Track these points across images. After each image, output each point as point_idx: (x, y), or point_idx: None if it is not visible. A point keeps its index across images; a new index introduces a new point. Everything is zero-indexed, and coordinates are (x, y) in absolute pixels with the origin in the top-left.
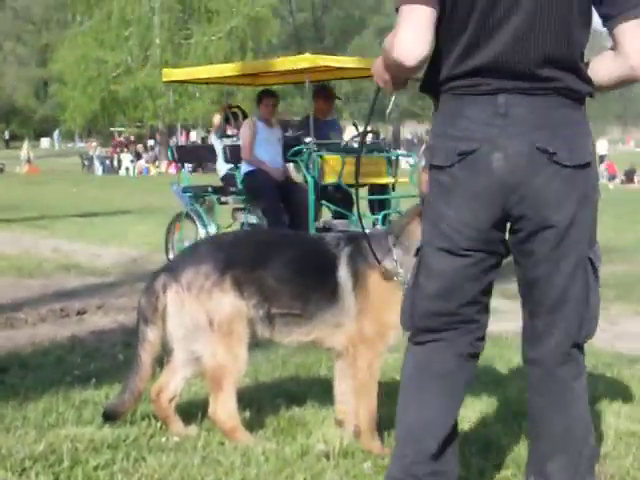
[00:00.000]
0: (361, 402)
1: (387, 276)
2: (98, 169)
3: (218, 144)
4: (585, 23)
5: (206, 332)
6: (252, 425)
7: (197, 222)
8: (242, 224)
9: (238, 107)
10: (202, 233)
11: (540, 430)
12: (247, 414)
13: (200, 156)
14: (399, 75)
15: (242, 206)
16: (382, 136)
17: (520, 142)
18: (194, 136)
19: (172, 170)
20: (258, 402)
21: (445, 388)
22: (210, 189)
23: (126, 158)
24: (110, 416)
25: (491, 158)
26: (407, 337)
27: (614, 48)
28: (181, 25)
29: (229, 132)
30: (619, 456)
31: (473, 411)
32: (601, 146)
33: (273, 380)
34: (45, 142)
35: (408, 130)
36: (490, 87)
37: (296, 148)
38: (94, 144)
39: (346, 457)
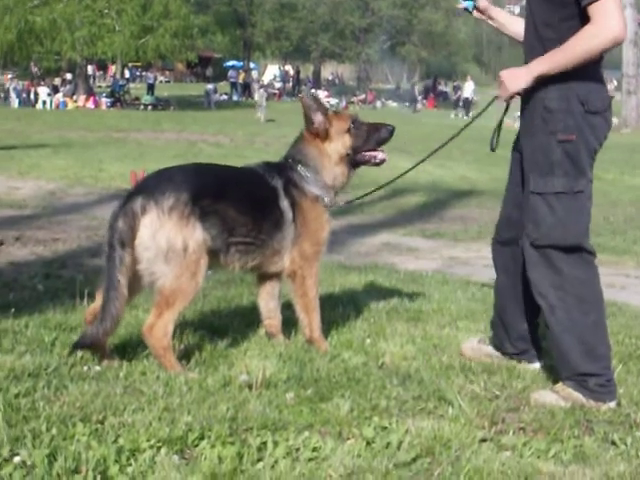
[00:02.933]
0: (312, 315)
1: (317, 201)
2: (14, 102)
3: None
4: None
5: (179, 256)
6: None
7: None
8: None
9: None
10: None
11: None
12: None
13: None
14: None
15: None
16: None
17: None
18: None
19: (90, 104)
20: (180, 334)
21: None
22: None
23: (43, 91)
24: (87, 344)
25: (612, 106)
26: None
27: None
28: None
29: None
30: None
31: (394, 345)
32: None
33: (195, 313)
34: None
35: (329, 70)
36: None
37: None
38: (9, 76)
39: (269, 388)
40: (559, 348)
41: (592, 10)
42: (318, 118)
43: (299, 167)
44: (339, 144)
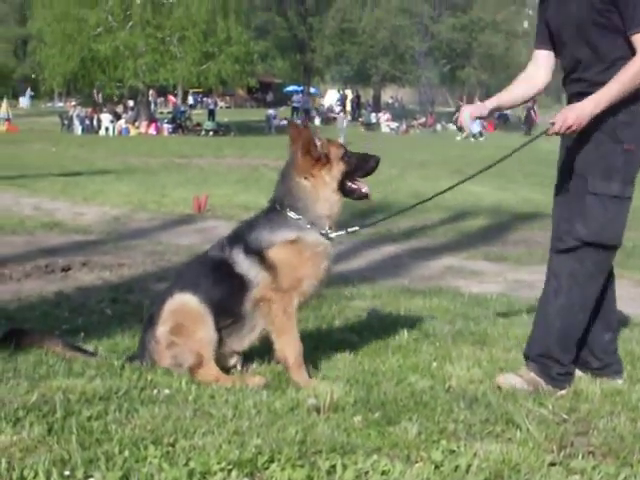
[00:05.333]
0: (283, 341)
1: (289, 244)
2: (77, 129)
3: None
4: None
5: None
6: None
7: None
8: None
9: None
10: None
11: None
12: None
13: None
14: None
15: None
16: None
17: None
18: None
19: (152, 131)
20: (247, 359)
21: None
22: None
23: (106, 118)
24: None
25: None
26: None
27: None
28: None
29: None
30: (605, 414)
31: (460, 368)
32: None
33: (261, 336)
34: (24, 101)
35: (388, 94)
36: None
37: None
38: (73, 104)
39: (336, 411)
40: (543, 327)
41: (637, 38)
42: (315, 147)
43: (286, 210)
44: (336, 170)
